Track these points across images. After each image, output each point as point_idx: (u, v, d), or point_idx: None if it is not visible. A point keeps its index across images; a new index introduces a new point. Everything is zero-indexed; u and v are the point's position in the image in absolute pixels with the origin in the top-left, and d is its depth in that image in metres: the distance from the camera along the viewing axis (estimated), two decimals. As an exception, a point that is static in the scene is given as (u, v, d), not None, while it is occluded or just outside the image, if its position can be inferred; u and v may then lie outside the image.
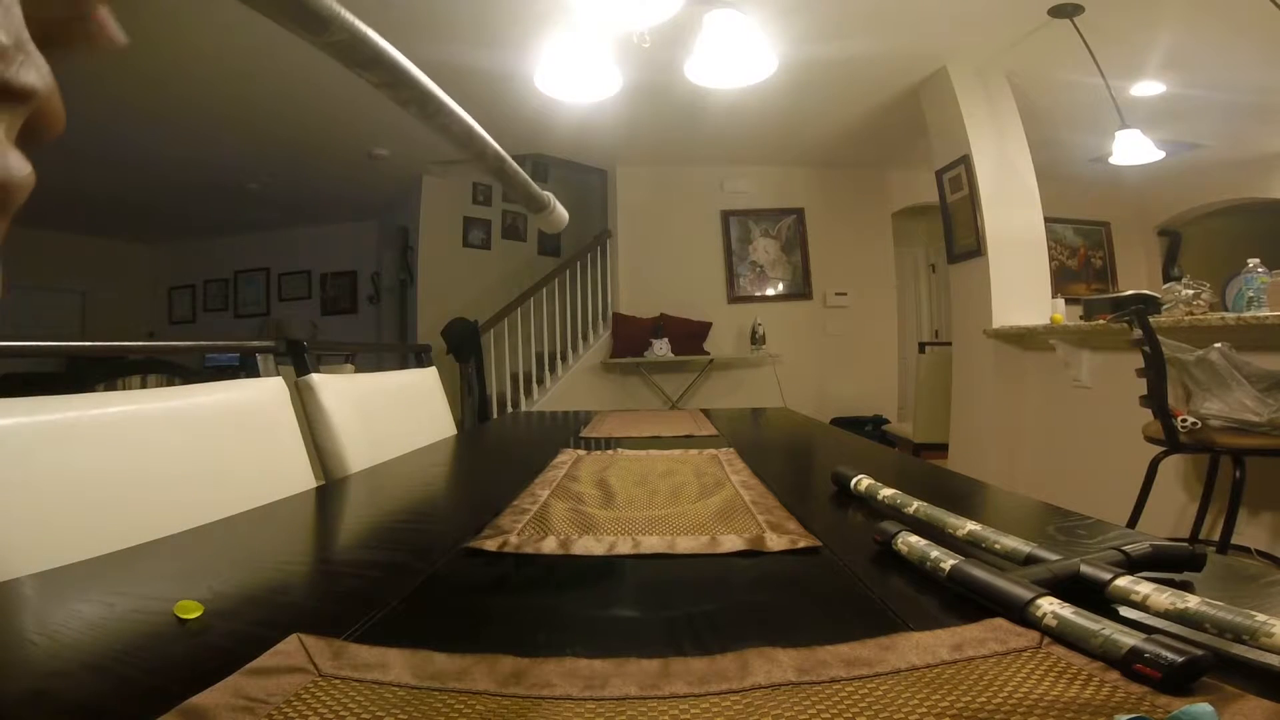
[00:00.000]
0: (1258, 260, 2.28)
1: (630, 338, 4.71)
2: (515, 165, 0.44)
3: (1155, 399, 1.85)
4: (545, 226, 0.55)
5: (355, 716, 0.30)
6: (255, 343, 1.14)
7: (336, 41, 0.27)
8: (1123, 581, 0.41)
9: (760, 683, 0.33)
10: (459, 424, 2.81)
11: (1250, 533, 2.06)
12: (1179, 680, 0.30)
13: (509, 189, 0.45)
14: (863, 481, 0.73)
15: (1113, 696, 0.30)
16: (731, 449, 1.11)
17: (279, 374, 1.09)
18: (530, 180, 0.47)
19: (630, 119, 3.93)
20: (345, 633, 0.40)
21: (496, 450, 1.41)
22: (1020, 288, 3.15)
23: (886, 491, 0.69)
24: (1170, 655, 0.30)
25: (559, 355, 4.78)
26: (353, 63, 0.29)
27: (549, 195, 0.52)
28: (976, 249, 3.21)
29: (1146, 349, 1.84)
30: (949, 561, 0.46)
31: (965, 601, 0.43)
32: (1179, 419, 1.83)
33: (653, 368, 4.71)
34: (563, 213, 0.56)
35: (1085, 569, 0.43)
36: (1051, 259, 3.55)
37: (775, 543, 0.58)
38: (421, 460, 1.20)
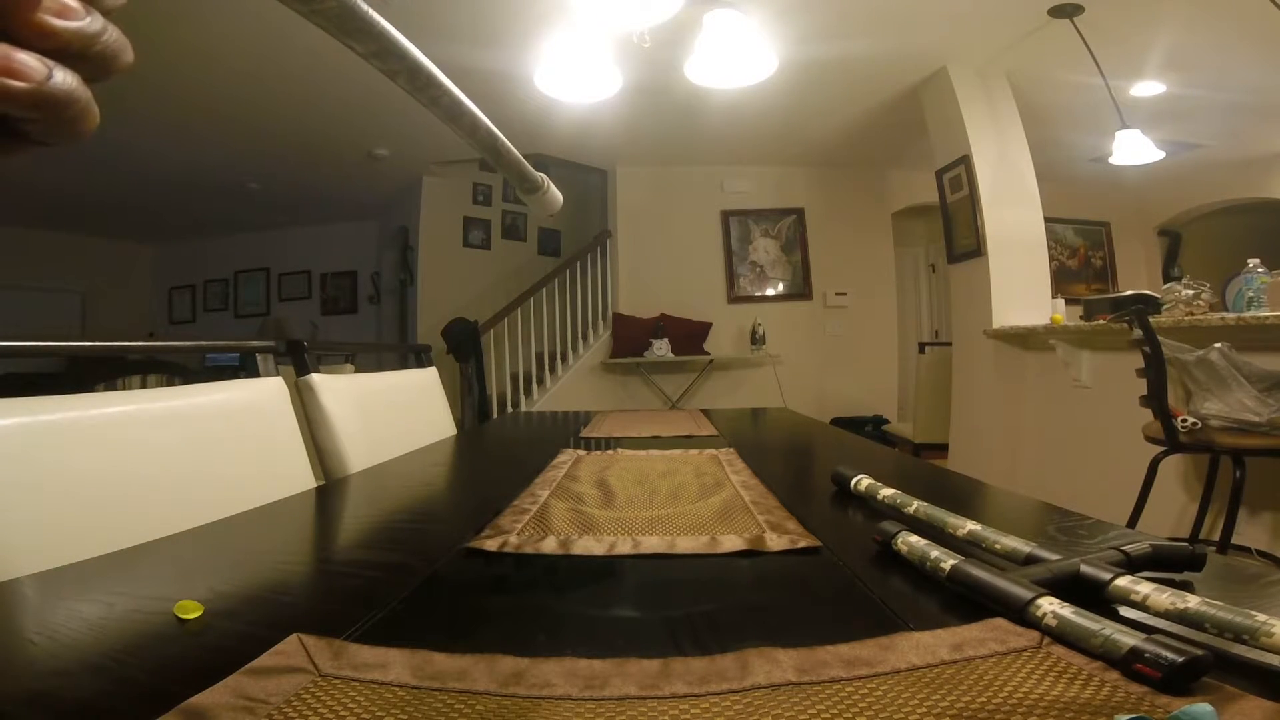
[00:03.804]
0: (1258, 260, 2.28)
1: (630, 338, 4.71)
2: (509, 143, 0.43)
3: (1155, 399, 1.85)
4: (539, 209, 0.54)
5: (355, 716, 0.30)
6: (255, 343, 1.14)
7: (325, 9, 0.27)
8: (1123, 581, 0.41)
9: (760, 683, 0.33)
10: (459, 424, 2.81)
11: (1250, 533, 2.06)
12: (1179, 680, 0.30)
13: (501, 168, 0.44)
14: (863, 481, 0.73)
15: (1113, 696, 0.30)
16: (731, 449, 1.11)
17: (279, 374, 1.09)
18: (524, 160, 0.46)
19: (630, 119, 3.93)
20: (345, 633, 0.40)
21: (496, 450, 1.41)
22: (1020, 288, 3.16)
23: (886, 491, 0.69)
24: (1170, 655, 0.30)
25: (559, 355, 4.78)
26: (341, 32, 0.29)
27: (543, 176, 0.51)
28: (976, 249, 3.21)
29: (1146, 349, 1.84)
30: (949, 561, 0.46)
31: (965, 601, 0.43)
32: (1179, 419, 1.83)
33: (653, 368, 4.71)
34: (556, 195, 0.54)
35: (1085, 569, 0.43)
36: (1051, 259, 3.56)
37: (775, 543, 0.58)
38: (421, 460, 1.20)
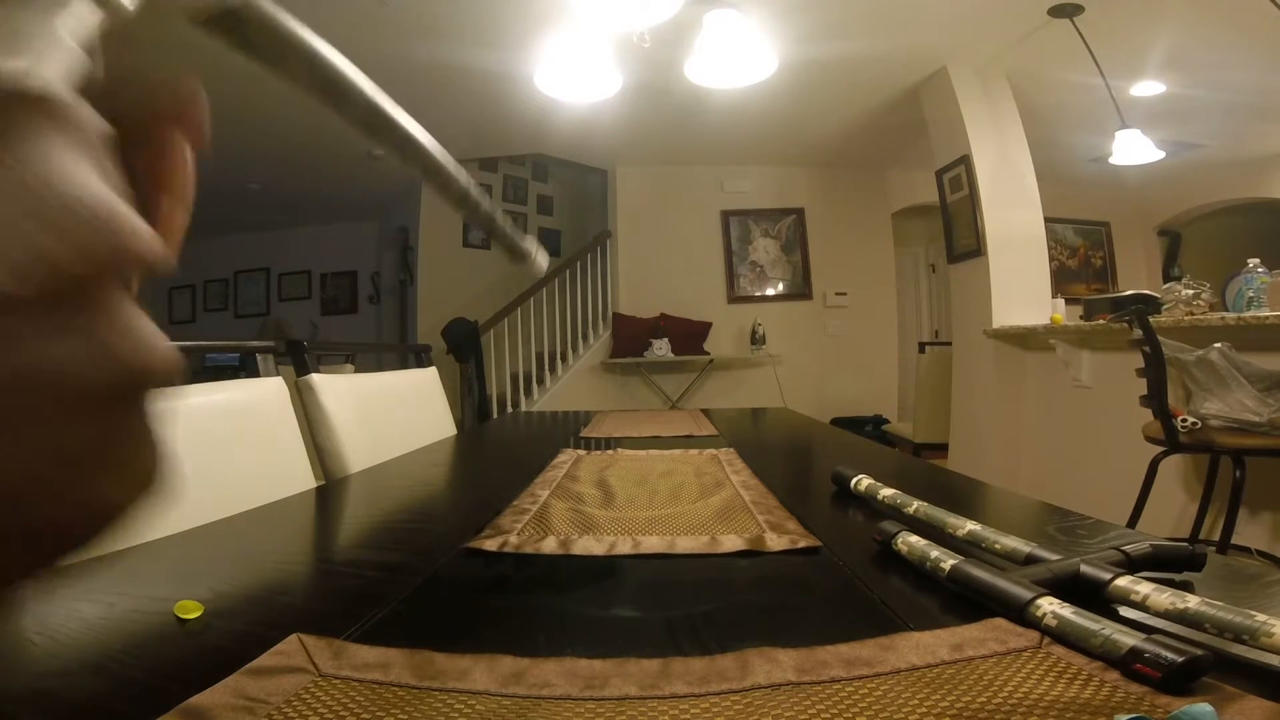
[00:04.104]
0: (1258, 260, 2.28)
1: (630, 338, 4.71)
2: (503, 221, 0.49)
3: (1155, 399, 1.85)
4: (529, 274, 0.61)
5: (355, 716, 0.30)
6: (255, 343, 1.14)
7: (352, 113, 0.31)
8: (1123, 581, 0.41)
9: (760, 683, 0.33)
10: (459, 424, 2.81)
11: (1250, 533, 2.06)
12: (1179, 680, 0.30)
13: (495, 241, 0.51)
14: (863, 481, 0.73)
15: (1113, 696, 0.30)
16: (731, 449, 1.11)
17: (279, 374, 1.09)
18: (514, 233, 0.53)
19: (630, 119, 3.93)
20: (345, 633, 0.40)
21: (496, 450, 1.41)
22: (1020, 288, 3.16)
23: (886, 491, 0.69)
24: (1170, 655, 0.30)
25: (559, 355, 4.78)
26: (367, 130, 0.32)
27: (529, 246, 0.56)
28: (976, 249, 3.21)
29: (1146, 349, 1.84)
30: (949, 561, 0.46)
31: (965, 601, 0.43)
32: (1179, 419, 1.83)
33: (653, 368, 4.71)
34: (543, 259, 0.62)
35: (1085, 569, 0.43)
36: (1051, 259, 3.55)
37: (775, 543, 0.58)
38: (421, 460, 1.20)
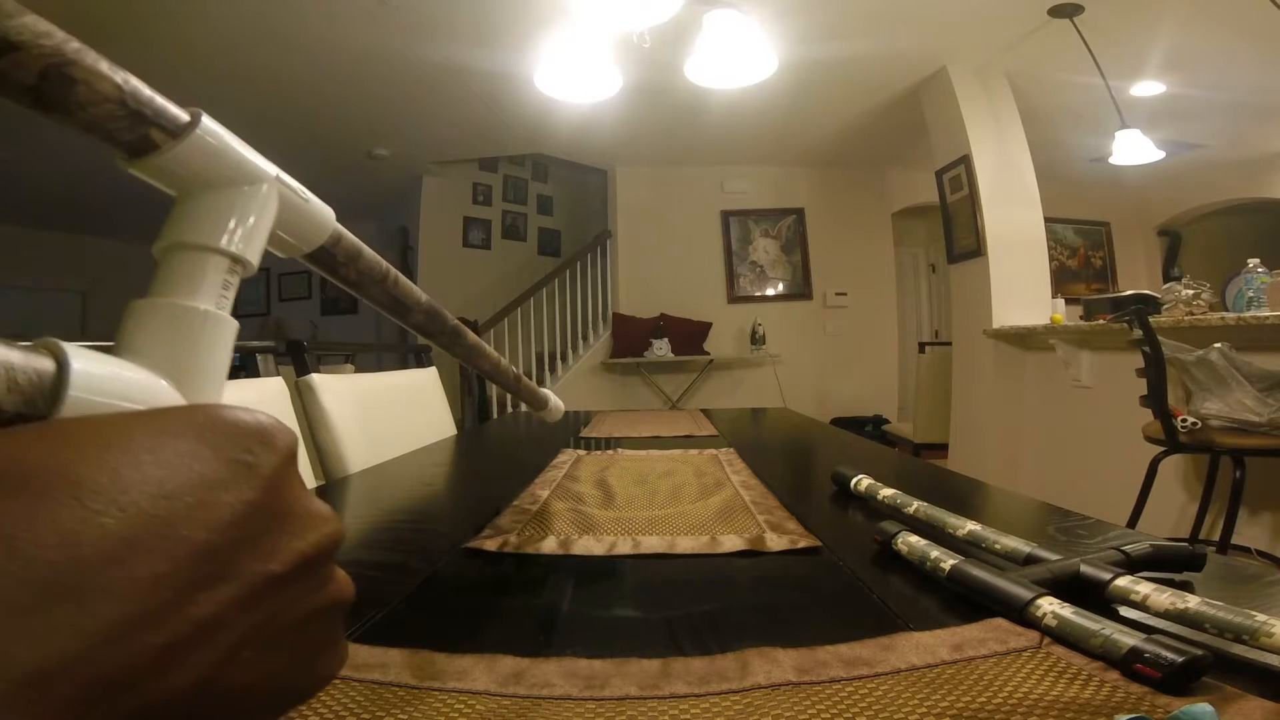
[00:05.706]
0: (1258, 260, 2.28)
1: (630, 338, 4.71)
2: (528, 380, 0.62)
3: (1155, 399, 1.85)
4: (549, 419, 0.78)
5: (355, 716, 0.30)
6: (255, 343, 1.14)
7: (413, 320, 0.40)
8: (1123, 581, 0.41)
9: (760, 683, 0.33)
10: (459, 424, 2.81)
11: (1250, 533, 2.06)
12: (1179, 680, 0.30)
13: (518, 397, 0.63)
14: (863, 481, 0.73)
15: (1113, 696, 0.30)
16: (731, 449, 1.11)
17: (279, 374, 1.09)
18: (535, 387, 0.66)
19: (630, 119, 3.94)
20: (345, 633, 0.40)
21: (496, 450, 1.41)
22: (1020, 288, 3.16)
23: (886, 491, 0.69)
24: (1170, 655, 0.30)
25: (559, 355, 4.78)
26: (424, 332, 0.42)
27: (546, 392, 0.72)
28: (976, 249, 3.21)
29: (1146, 349, 1.84)
30: (949, 561, 0.46)
31: (965, 601, 0.43)
32: (1179, 419, 1.83)
33: (653, 368, 4.71)
34: (558, 403, 0.76)
35: (1085, 569, 0.43)
36: (1051, 259, 3.56)
37: (775, 543, 0.58)
38: (421, 460, 1.20)
